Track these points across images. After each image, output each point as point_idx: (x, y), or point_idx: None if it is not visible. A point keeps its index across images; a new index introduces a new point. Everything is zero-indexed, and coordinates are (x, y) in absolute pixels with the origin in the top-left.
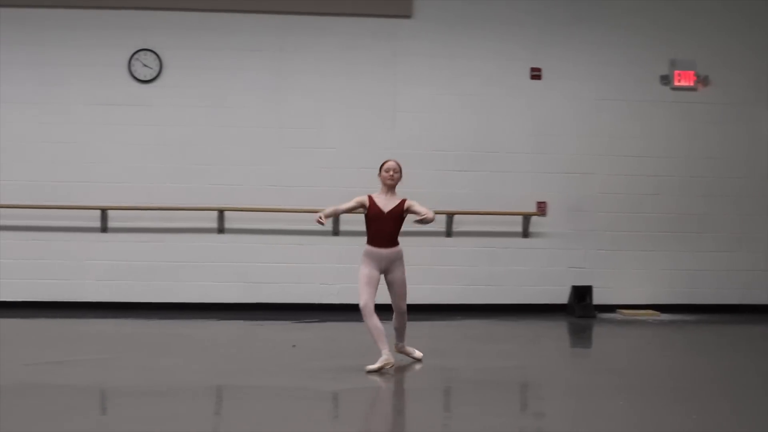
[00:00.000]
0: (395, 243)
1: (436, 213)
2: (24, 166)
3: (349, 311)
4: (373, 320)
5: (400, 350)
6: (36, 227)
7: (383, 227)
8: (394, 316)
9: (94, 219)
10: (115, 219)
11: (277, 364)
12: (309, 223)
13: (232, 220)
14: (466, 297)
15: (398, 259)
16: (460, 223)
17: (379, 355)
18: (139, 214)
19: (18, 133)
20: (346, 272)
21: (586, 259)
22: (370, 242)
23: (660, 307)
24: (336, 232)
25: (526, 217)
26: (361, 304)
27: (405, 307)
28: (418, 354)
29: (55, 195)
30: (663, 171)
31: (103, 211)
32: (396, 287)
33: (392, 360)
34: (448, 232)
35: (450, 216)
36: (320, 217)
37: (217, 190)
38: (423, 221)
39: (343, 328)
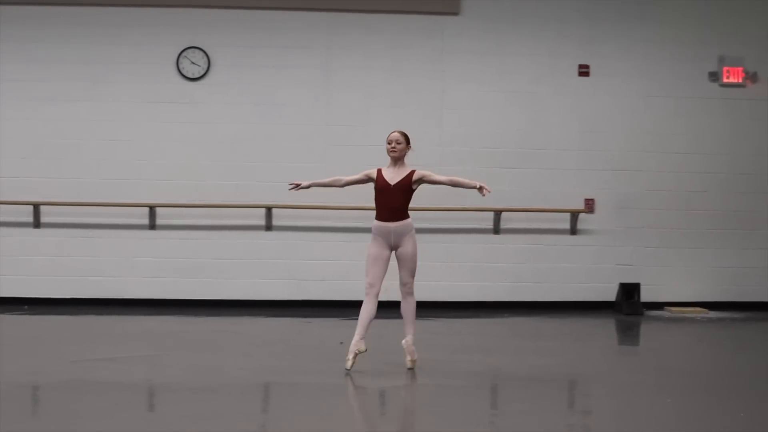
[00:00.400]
0: (403, 216)
1: (484, 210)
2: (73, 163)
3: (398, 308)
4: (369, 306)
5: (406, 347)
6: (84, 224)
7: (390, 200)
8: (401, 300)
9: (142, 216)
10: (163, 216)
11: (325, 361)
12: (357, 220)
13: (279, 218)
14: (513, 294)
15: (407, 233)
16: (507, 221)
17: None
18: (187, 212)
19: (67, 130)
20: (395, 270)
21: (634, 256)
22: (378, 216)
23: (708, 304)
24: None
25: (574, 215)
26: (367, 282)
27: (412, 285)
28: (409, 364)
29: (103, 192)
30: (710, 168)
31: (151, 208)
32: (404, 262)
33: (357, 349)
34: (496, 229)
35: (497, 213)
36: (298, 183)
37: (265, 188)
38: (481, 191)
39: (391, 326)
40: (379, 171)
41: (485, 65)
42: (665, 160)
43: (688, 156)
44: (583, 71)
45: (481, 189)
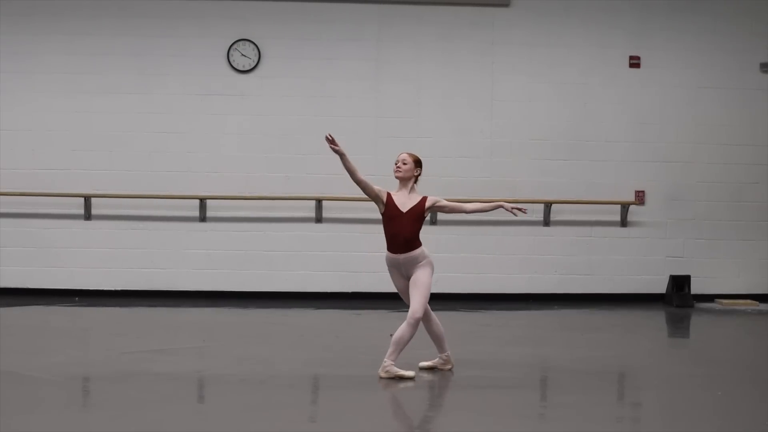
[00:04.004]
0: (412, 247)
1: (534, 203)
2: (123, 155)
3: (447, 300)
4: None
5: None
6: (135, 216)
7: (401, 229)
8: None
9: (192, 208)
10: (213, 208)
11: (375, 353)
12: None
13: (330, 210)
14: (563, 286)
15: (418, 262)
16: (557, 213)
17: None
18: (237, 204)
19: (118, 122)
20: (444, 261)
21: (685, 248)
22: (388, 247)
23: (758, 297)
24: (434, 221)
25: (624, 206)
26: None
27: (416, 313)
28: (409, 373)
29: (154, 184)
30: (762, 159)
31: (202, 200)
32: (414, 286)
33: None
34: (546, 222)
35: (548, 205)
36: (334, 143)
37: (315, 180)
38: (514, 212)
39: (440, 318)
40: (389, 196)
41: (535, 57)
42: (716, 151)
43: (738, 147)
44: (634, 62)
45: (513, 211)
